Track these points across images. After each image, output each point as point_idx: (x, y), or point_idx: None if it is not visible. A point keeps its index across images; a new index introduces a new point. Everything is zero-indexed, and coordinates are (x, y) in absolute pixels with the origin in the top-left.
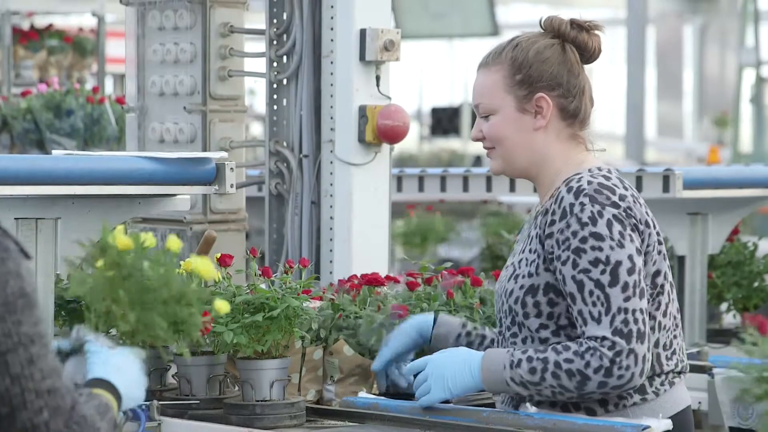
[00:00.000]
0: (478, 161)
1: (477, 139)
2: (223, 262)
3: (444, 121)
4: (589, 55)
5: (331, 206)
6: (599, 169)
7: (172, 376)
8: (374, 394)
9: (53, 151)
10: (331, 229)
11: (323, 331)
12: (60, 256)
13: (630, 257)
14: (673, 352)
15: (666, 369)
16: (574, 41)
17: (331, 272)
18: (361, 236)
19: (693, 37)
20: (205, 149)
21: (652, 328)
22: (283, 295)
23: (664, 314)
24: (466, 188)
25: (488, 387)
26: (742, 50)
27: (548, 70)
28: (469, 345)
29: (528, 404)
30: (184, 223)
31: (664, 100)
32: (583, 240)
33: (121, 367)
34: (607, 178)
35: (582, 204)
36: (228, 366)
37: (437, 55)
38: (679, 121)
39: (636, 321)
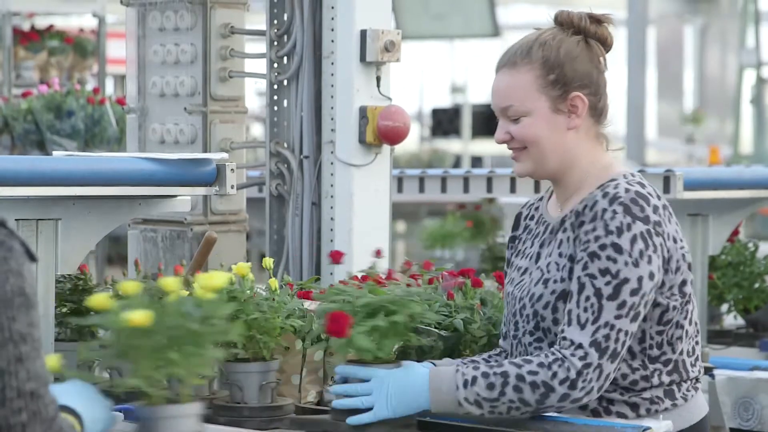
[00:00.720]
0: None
1: (503, 142)
2: (335, 258)
3: (444, 122)
4: (607, 49)
5: (331, 207)
6: (632, 175)
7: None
8: None
9: (54, 152)
10: (331, 230)
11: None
12: (60, 257)
13: (639, 279)
14: (696, 359)
15: (691, 375)
16: (595, 35)
17: (331, 273)
18: (362, 237)
19: (693, 37)
20: (205, 150)
21: (680, 338)
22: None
23: (690, 322)
24: (466, 189)
25: (435, 408)
26: (742, 51)
27: (580, 69)
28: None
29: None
30: (185, 225)
31: (665, 100)
32: (602, 247)
33: (75, 394)
34: (643, 186)
35: (614, 212)
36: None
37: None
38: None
39: (617, 340)
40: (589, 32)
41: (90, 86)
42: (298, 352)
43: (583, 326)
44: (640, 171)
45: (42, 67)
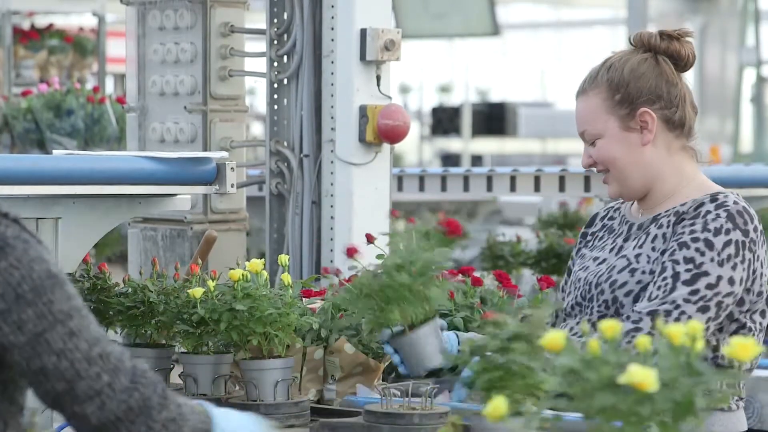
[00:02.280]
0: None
1: (588, 166)
2: (350, 253)
3: (444, 121)
4: (683, 62)
5: (331, 206)
6: (736, 194)
7: (179, 375)
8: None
9: (54, 151)
10: (331, 228)
11: (324, 330)
12: (61, 256)
13: (719, 277)
14: (743, 384)
15: (741, 393)
16: (666, 51)
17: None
18: (362, 236)
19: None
20: (205, 149)
21: None
22: None
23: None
24: (466, 188)
25: None
26: (742, 50)
27: (646, 85)
28: None
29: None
30: (185, 223)
31: None
32: (695, 240)
33: (236, 422)
34: (749, 207)
35: (717, 215)
36: (231, 366)
37: (438, 55)
38: None
39: (677, 320)
40: (658, 49)
41: (90, 85)
42: (299, 350)
43: (650, 300)
44: None
45: (42, 66)
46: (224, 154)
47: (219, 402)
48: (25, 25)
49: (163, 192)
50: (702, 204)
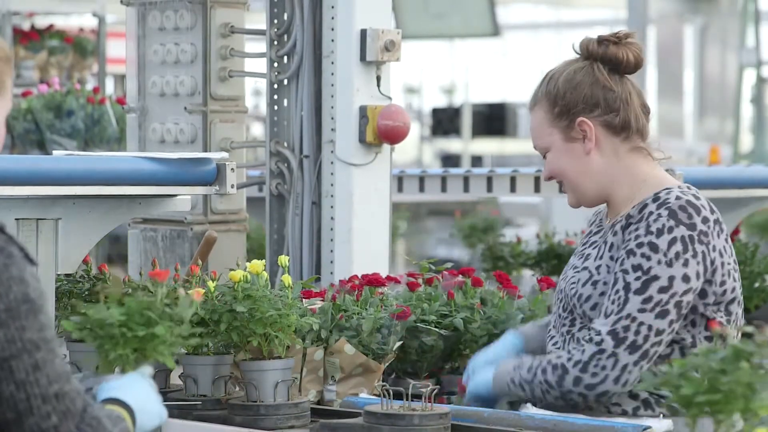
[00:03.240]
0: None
1: (547, 178)
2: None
3: (444, 122)
4: (623, 66)
5: (331, 206)
6: (689, 187)
7: (179, 376)
8: (374, 395)
9: (54, 152)
10: (331, 229)
11: (324, 331)
12: (60, 257)
13: (670, 278)
14: None
15: None
16: (603, 57)
17: (331, 272)
18: (362, 236)
19: (693, 37)
20: (205, 150)
21: None
22: None
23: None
24: (466, 188)
25: (494, 386)
26: (742, 50)
27: (581, 94)
28: None
29: (529, 404)
30: (185, 224)
31: (665, 100)
32: (640, 245)
33: (128, 387)
34: (697, 198)
35: (659, 215)
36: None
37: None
38: (679, 121)
39: (638, 333)
40: (596, 55)
41: (90, 86)
42: (299, 351)
43: (607, 316)
44: None
45: (42, 67)
46: (224, 154)
47: (219, 403)
48: (25, 26)
49: (163, 193)
50: (645, 205)
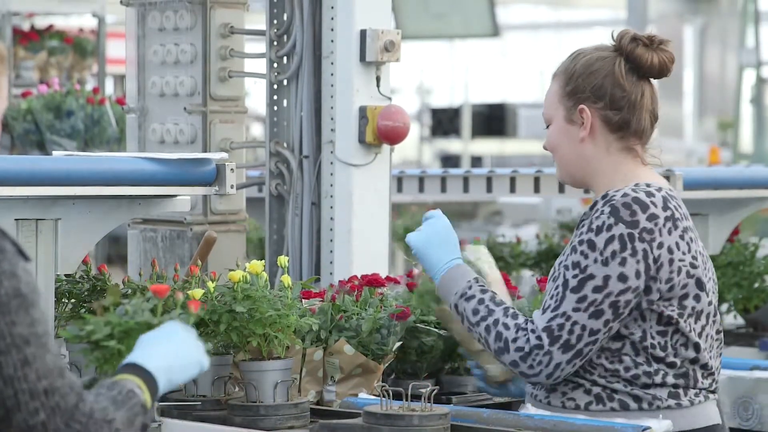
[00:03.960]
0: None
1: (545, 147)
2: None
3: (444, 122)
4: (645, 69)
5: (331, 207)
6: (647, 185)
7: None
8: (374, 395)
9: (53, 152)
10: (331, 229)
11: (323, 332)
12: (60, 257)
13: (606, 278)
14: (711, 373)
15: (700, 385)
16: (629, 55)
17: (331, 273)
18: (362, 237)
19: (693, 37)
20: (205, 150)
21: (684, 345)
22: None
23: (699, 336)
24: (466, 189)
25: (438, 288)
26: (742, 51)
27: (593, 82)
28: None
29: (528, 405)
30: (185, 224)
31: (665, 101)
32: (581, 242)
33: (159, 342)
34: (649, 195)
35: (602, 212)
36: (231, 367)
37: (438, 56)
38: (679, 121)
39: (571, 332)
40: (623, 50)
41: (90, 86)
42: (298, 351)
43: (544, 311)
44: None
45: (42, 67)
46: (224, 155)
47: (218, 403)
48: (25, 26)
49: (163, 193)
50: (596, 202)
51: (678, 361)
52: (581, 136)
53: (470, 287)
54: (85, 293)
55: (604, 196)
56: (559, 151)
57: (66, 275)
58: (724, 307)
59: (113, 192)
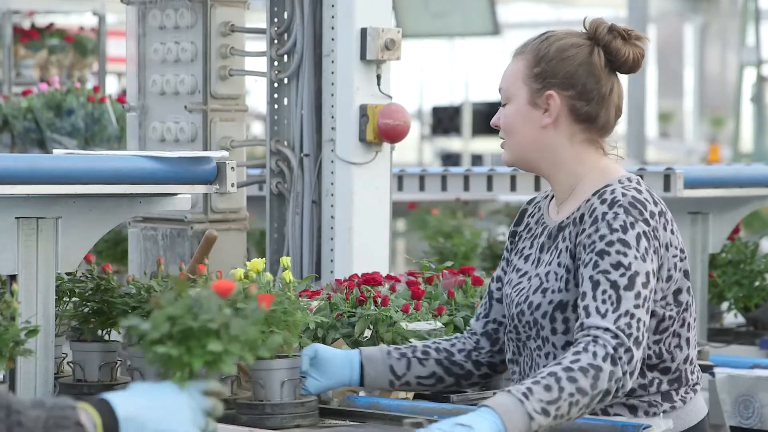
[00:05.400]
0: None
1: (494, 125)
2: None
3: (445, 121)
4: (619, 63)
5: (331, 205)
6: (629, 180)
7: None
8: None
9: (54, 151)
10: (331, 228)
11: (321, 330)
12: (61, 256)
13: (647, 273)
14: (695, 366)
15: (690, 381)
16: (606, 46)
17: (331, 271)
18: (362, 235)
19: (694, 36)
20: (206, 148)
21: (678, 346)
22: None
23: (688, 329)
24: (466, 187)
25: (511, 428)
26: (742, 49)
27: (565, 69)
28: (401, 356)
29: None
30: (185, 223)
31: (665, 99)
32: (610, 244)
33: (144, 394)
34: (639, 192)
35: (616, 213)
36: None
37: (438, 55)
38: (679, 120)
39: (639, 329)
40: (600, 40)
41: (90, 85)
42: (295, 350)
43: (604, 315)
44: (640, 169)
45: (42, 66)
46: (224, 153)
47: (226, 402)
48: (26, 25)
49: (164, 191)
50: (594, 208)
51: (672, 366)
52: (544, 122)
53: (517, 390)
54: (89, 292)
55: (602, 201)
56: (516, 135)
57: (67, 274)
58: (725, 305)
59: (114, 190)
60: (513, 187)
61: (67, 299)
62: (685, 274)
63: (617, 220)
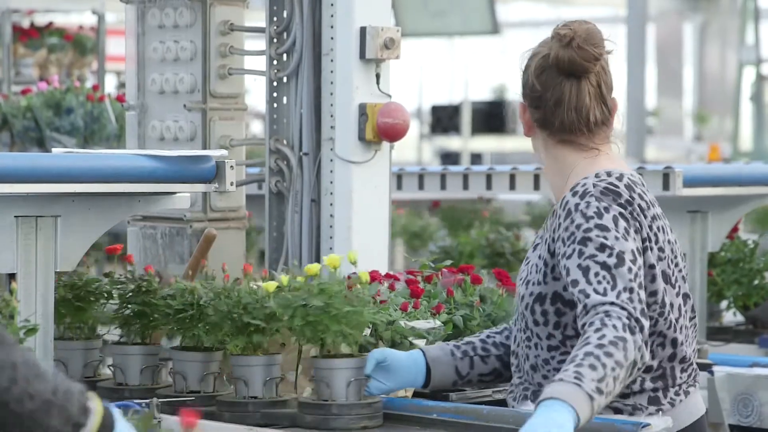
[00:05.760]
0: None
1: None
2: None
3: (444, 119)
4: (561, 68)
5: (331, 204)
6: (608, 174)
7: (225, 378)
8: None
9: (53, 149)
10: (331, 227)
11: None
12: (60, 254)
13: (633, 251)
14: (690, 365)
15: (678, 381)
16: (549, 53)
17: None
18: (361, 234)
19: (693, 34)
20: (205, 147)
21: (662, 345)
22: None
23: (675, 329)
24: (465, 186)
25: (583, 415)
26: (742, 48)
27: (524, 80)
28: (464, 355)
29: (528, 401)
30: (184, 221)
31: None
32: (588, 230)
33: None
34: (614, 185)
35: (587, 202)
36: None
37: (437, 53)
38: (679, 119)
39: (640, 302)
40: (551, 48)
41: (89, 83)
42: (294, 348)
43: (604, 294)
44: (639, 168)
45: (41, 65)
46: (223, 152)
47: (273, 405)
48: (25, 24)
49: (163, 190)
50: (567, 201)
51: (655, 364)
52: (524, 131)
53: (571, 375)
54: (130, 294)
55: (574, 193)
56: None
57: (105, 275)
58: (724, 304)
59: (113, 189)
60: (512, 186)
61: (104, 301)
62: (663, 275)
63: (590, 208)
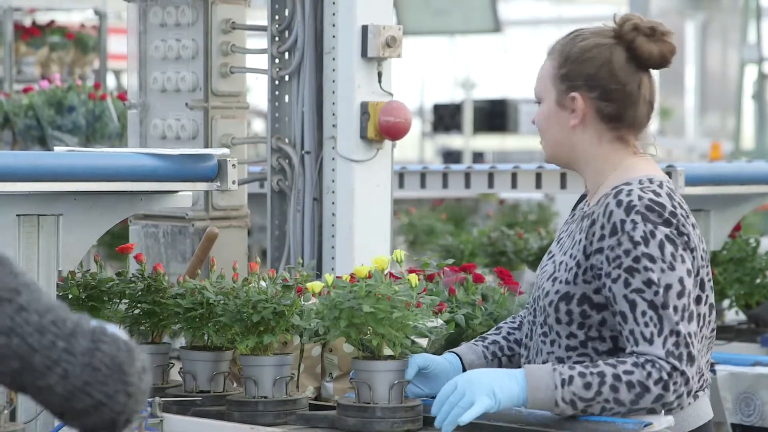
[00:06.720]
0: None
1: (533, 122)
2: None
3: (446, 118)
4: (644, 60)
5: (333, 203)
6: (650, 181)
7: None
8: None
9: (55, 148)
10: (333, 225)
11: (322, 327)
12: (62, 253)
13: (680, 280)
14: (701, 375)
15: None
16: (630, 44)
17: (333, 269)
18: (363, 233)
19: (695, 33)
20: (206, 146)
21: None
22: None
23: (699, 339)
24: (468, 185)
25: (532, 405)
26: (744, 46)
27: (586, 70)
28: (494, 356)
29: None
30: (186, 220)
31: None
32: (636, 260)
33: None
34: (657, 195)
35: (634, 222)
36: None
37: (439, 52)
38: (681, 117)
39: (687, 345)
40: (624, 38)
41: (91, 82)
42: (296, 347)
43: (650, 341)
44: None
45: (43, 63)
46: (225, 150)
47: (283, 404)
48: (27, 22)
49: (165, 189)
50: (611, 212)
51: None
52: (572, 123)
53: (559, 374)
54: (139, 293)
55: (618, 203)
56: (547, 134)
57: (118, 274)
58: (726, 302)
59: (115, 188)
60: (514, 185)
61: (117, 301)
62: (701, 283)
63: (636, 230)
